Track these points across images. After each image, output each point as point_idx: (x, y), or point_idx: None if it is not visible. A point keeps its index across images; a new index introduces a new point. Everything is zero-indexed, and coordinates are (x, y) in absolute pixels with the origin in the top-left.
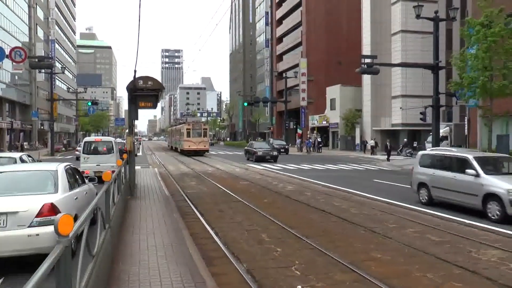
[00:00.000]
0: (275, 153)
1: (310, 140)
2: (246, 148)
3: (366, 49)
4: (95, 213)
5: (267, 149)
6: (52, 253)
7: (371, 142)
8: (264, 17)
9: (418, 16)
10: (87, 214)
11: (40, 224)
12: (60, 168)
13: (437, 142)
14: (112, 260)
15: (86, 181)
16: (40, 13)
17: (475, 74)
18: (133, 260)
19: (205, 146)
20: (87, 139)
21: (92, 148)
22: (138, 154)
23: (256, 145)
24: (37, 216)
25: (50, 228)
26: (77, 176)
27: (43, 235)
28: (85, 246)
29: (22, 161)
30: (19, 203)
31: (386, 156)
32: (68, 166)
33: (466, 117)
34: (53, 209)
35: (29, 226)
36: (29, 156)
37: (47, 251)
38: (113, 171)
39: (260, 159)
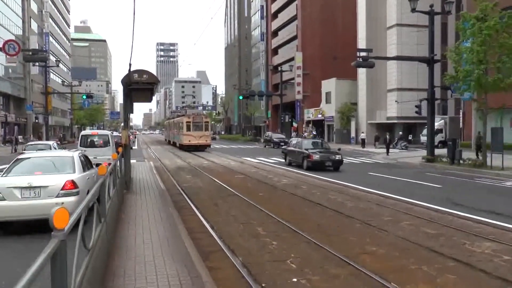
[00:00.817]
0: (338, 156)
1: (313, 133)
2: (286, 148)
3: (361, 43)
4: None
5: (325, 150)
6: (47, 247)
7: (361, 135)
8: (259, 11)
9: (413, 10)
10: (82, 208)
11: (64, 195)
12: (75, 154)
13: (432, 135)
14: (107, 255)
15: (94, 166)
16: (33, 6)
17: (470, 68)
18: (129, 255)
19: (206, 140)
20: (84, 132)
21: (89, 141)
22: (133, 147)
23: (304, 144)
24: (61, 189)
25: (71, 198)
26: (87, 162)
27: (67, 203)
28: (81, 240)
29: (53, 148)
30: (49, 180)
31: (380, 149)
32: (80, 154)
33: (461, 110)
34: (73, 184)
35: (56, 197)
36: (57, 143)
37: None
38: (109, 164)
39: (318, 166)
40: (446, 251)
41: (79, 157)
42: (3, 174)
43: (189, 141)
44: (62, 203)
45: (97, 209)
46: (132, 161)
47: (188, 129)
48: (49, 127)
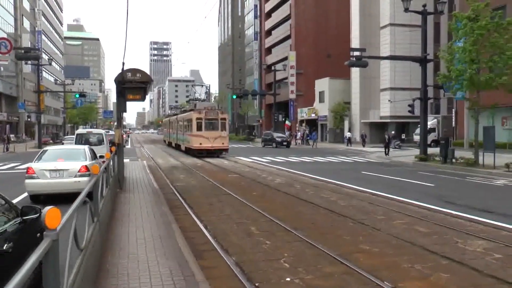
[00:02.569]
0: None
1: (307, 132)
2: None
3: (355, 42)
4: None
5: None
6: (39, 247)
7: (347, 134)
8: (253, 10)
9: (406, 10)
10: (74, 208)
11: (80, 176)
12: (86, 147)
13: (425, 134)
14: (101, 254)
15: (98, 157)
16: (26, 4)
17: (463, 67)
18: (122, 254)
19: (223, 143)
20: (79, 131)
21: (83, 139)
22: (126, 146)
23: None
24: (78, 171)
25: (85, 178)
26: (93, 154)
27: (82, 182)
28: (73, 239)
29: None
30: (69, 165)
31: (370, 148)
32: (89, 147)
33: (453, 109)
34: (86, 168)
35: (74, 177)
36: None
37: (83, 189)
38: (103, 161)
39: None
40: (438, 249)
41: (89, 149)
42: (35, 160)
43: (200, 144)
44: (79, 181)
45: (90, 208)
46: (125, 160)
47: (199, 128)
48: (41, 125)
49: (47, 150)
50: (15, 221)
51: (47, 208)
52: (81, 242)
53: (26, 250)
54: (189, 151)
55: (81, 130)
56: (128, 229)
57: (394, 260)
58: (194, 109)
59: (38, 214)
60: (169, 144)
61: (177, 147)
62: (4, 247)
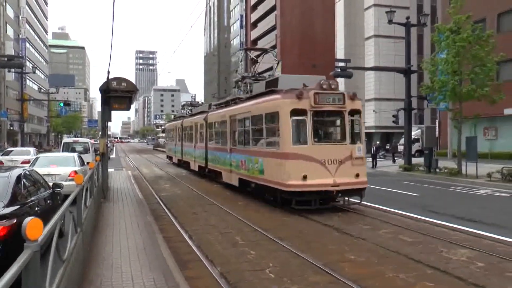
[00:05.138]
0: None
1: None
2: None
3: (340, 53)
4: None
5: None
6: (19, 258)
7: None
8: (238, 20)
9: (390, 22)
10: (57, 218)
11: (70, 180)
12: (75, 155)
13: (409, 144)
14: (84, 264)
15: (85, 163)
16: (10, 11)
17: (445, 78)
18: (106, 264)
19: (358, 174)
20: (65, 140)
21: (70, 148)
22: (111, 156)
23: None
24: (68, 176)
25: (74, 182)
26: (81, 160)
27: (72, 185)
28: (55, 251)
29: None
30: (60, 170)
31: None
32: (78, 155)
33: (437, 120)
34: (76, 173)
35: (65, 181)
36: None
37: (72, 192)
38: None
39: None
40: (423, 258)
41: (77, 156)
42: (30, 165)
43: (304, 178)
44: (69, 185)
45: (74, 219)
46: (110, 169)
47: (302, 136)
48: (24, 134)
49: (39, 157)
50: (49, 191)
51: (28, 218)
52: (63, 253)
53: (54, 206)
54: (266, 191)
55: (67, 139)
56: (112, 240)
57: (379, 269)
58: (281, 91)
59: (61, 188)
60: (178, 162)
61: (199, 171)
62: (48, 202)
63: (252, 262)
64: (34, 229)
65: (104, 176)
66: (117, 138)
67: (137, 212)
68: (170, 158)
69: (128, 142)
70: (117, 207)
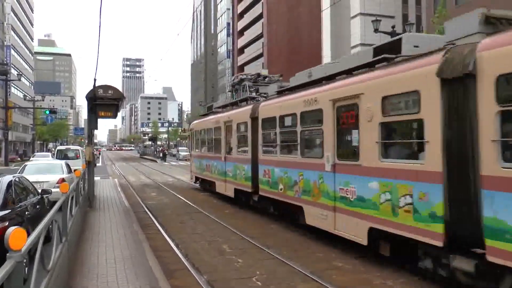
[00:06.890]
0: None
1: None
2: None
3: (326, 61)
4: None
5: None
6: (2, 269)
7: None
8: (225, 28)
9: (376, 30)
10: (42, 228)
11: (58, 187)
12: (63, 162)
13: None
14: (69, 274)
15: (72, 171)
16: None
17: None
18: (91, 274)
19: None
20: (59, 147)
21: (63, 155)
22: (97, 164)
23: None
24: (56, 183)
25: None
26: (69, 167)
27: (59, 192)
28: (40, 261)
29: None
30: (48, 177)
31: None
32: (65, 163)
33: None
34: (63, 180)
35: (53, 188)
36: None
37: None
38: (79, 172)
39: None
40: (410, 265)
41: (65, 164)
42: (18, 173)
43: None
44: (57, 191)
45: (59, 228)
46: (96, 178)
47: None
48: (8, 142)
49: (27, 165)
50: (37, 197)
51: (12, 228)
52: (48, 262)
53: (41, 210)
54: None
55: (61, 147)
56: (97, 249)
57: (366, 277)
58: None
59: (49, 194)
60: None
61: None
62: (37, 207)
63: (239, 270)
64: (18, 239)
65: (90, 184)
66: (116, 145)
67: (123, 220)
68: (193, 178)
69: (131, 149)
70: (103, 215)
